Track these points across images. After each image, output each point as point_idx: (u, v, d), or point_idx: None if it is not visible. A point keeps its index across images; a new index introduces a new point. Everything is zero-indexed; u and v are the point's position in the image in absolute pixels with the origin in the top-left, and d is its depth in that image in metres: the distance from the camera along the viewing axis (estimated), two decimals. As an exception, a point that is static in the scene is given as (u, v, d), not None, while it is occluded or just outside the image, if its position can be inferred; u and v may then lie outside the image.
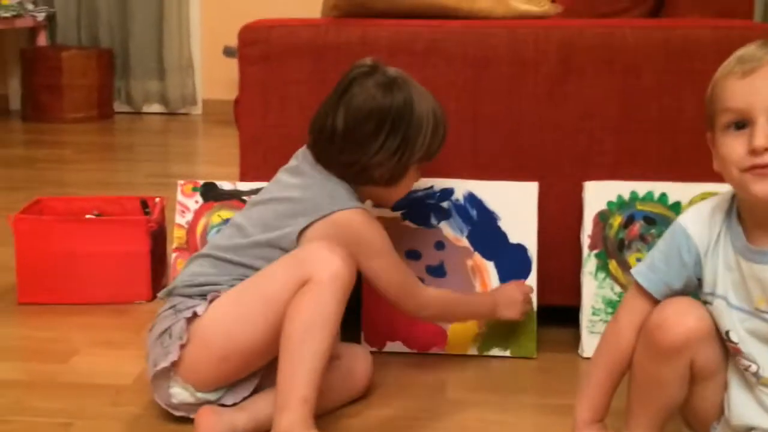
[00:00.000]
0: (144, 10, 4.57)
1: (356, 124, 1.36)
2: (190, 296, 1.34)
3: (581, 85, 1.63)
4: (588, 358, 1.61)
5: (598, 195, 1.63)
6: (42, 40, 4.52)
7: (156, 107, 4.70)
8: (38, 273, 1.84)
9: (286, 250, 1.34)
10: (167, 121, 4.54)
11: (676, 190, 1.62)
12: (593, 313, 1.63)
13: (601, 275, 1.63)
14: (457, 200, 1.66)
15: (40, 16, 4.40)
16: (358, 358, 1.46)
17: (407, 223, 1.66)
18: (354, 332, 1.64)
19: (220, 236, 1.43)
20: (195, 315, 1.30)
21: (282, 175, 1.45)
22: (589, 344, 1.62)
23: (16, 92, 4.62)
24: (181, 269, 1.43)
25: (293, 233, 1.35)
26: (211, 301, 1.31)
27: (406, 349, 1.64)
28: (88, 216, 1.99)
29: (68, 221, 1.88)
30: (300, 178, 1.41)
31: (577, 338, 1.65)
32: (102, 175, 3.25)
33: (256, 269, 1.33)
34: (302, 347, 1.23)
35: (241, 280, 1.33)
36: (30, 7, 4.35)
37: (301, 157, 1.45)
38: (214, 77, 4.64)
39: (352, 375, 1.44)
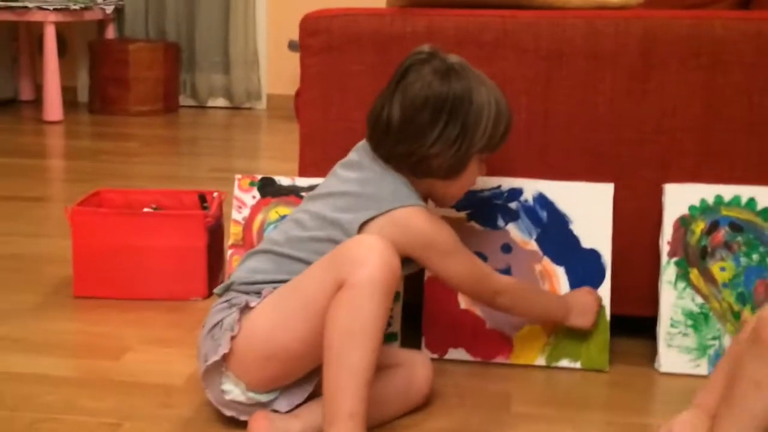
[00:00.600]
0: (210, 4, 4.57)
1: (413, 113, 1.29)
2: (246, 293, 1.29)
3: (663, 81, 1.52)
4: (666, 373, 1.51)
5: (680, 198, 1.52)
6: (110, 32, 4.56)
7: (220, 101, 4.70)
8: (94, 266, 1.81)
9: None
10: (231, 116, 4.53)
11: (766, 195, 1.50)
12: (672, 326, 1.52)
13: (681, 285, 1.52)
14: (526, 201, 1.57)
15: (109, 9, 4.43)
16: (418, 366, 1.38)
17: (473, 224, 1.58)
18: (415, 338, 1.56)
19: (278, 231, 1.36)
20: (248, 306, 1.25)
21: (339, 170, 1.38)
22: (666, 358, 1.51)
23: (84, 85, 4.67)
24: (238, 265, 1.37)
25: (353, 226, 1.28)
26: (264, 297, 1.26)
27: (469, 358, 1.56)
28: (145, 209, 1.95)
29: (124, 214, 1.84)
30: (359, 172, 1.34)
31: (653, 351, 1.55)
32: (165, 169, 3.24)
33: None
34: (343, 358, 1.16)
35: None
36: (99, -1, 4.38)
37: (361, 150, 1.37)
38: (279, 72, 4.61)
39: (412, 383, 1.36)
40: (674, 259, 1.52)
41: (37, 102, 4.42)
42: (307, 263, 1.27)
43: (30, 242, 2.22)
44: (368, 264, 1.18)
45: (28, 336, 1.63)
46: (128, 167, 3.24)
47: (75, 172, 3.17)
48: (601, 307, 1.51)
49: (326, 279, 1.20)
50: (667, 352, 1.52)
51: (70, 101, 4.61)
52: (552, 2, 1.58)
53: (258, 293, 1.28)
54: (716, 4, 1.58)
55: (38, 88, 4.41)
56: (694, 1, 1.60)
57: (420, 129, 1.29)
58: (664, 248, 1.53)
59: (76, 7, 4.09)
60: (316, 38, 1.60)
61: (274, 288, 1.27)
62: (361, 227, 1.28)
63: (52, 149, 3.68)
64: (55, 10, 3.97)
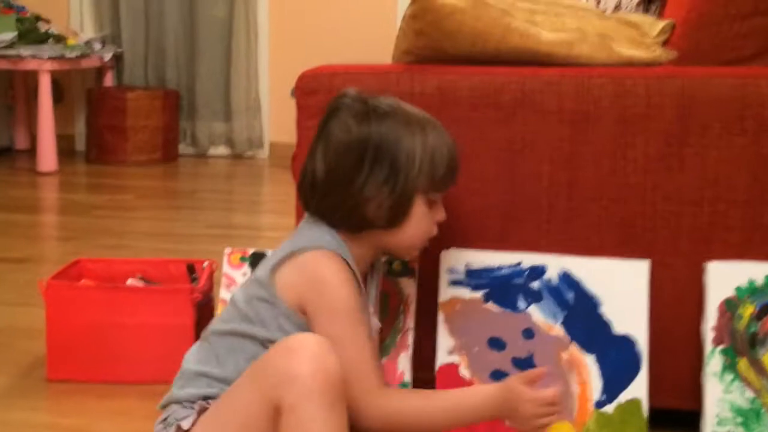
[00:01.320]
0: (212, 50, 4.45)
1: (336, 160, 1.18)
2: (182, 403, 1.16)
3: (703, 147, 1.36)
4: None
5: (724, 278, 1.35)
6: (109, 80, 4.43)
7: (222, 150, 4.56)
8: (70, 346, 1.64)
9: (268, 301, 1.16)
10: (233, 165, 4.39)
11: (822, 275, 1.33)
12: (718, 423, 1.34)
13: (729, 377, 1.34)
14: (550, 280, 1.40)
15: (107, 56, 4.30)
16: None
17: (490, 305, 1.40)
18: None
19: (223, 313, 1.25)
20: (179, 429, 1.12)
21: None
22: (712, 462, 1.33)
23: (81, 133, 4.54)
24: (185, 356, 1.23)
25: (265, 274, 1.17)
26: (200, 413, 1.12)
27: (486, 458, 1.38)
28: (130, 280, 1.78)
29: (104, 289, 1.68)
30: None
31: (696, 451, 1.37)
32: (161, 225, 3.08)
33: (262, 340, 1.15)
34: None
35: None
36: (97, 47, 4.26)
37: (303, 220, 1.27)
38: (281, 119, 4.47)
39: None
40: (720, 348, 1.35)
41: (33, 151, 4.27)
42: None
43: (6, 312, 2.05)
44: (298, 378, 1.02)
45: (-9, 430, 1.46)
46: (122, 223, 3.08)
47: (65, 229, 3.02)
48: (549, 412, 1.14)
49: (261, 400, 1.05)
50: (713, 454, 1.33)
51: (66, 150, 4.48)
52: (575, 59, 1.43)
53: (192, 405, 1.15)
54: (759, 59, 1.43)
55: (34, 137, 4.28)
56: (733, 56, 1.44)
57: (345, 175, 1.17)
58: (708, 335, 1.35)
59: (73, 55, 3.97)
60: (313, 98, 1.44)
61: (207, 403, 1.14)
62: (275, 273, 1.16)
63: (44, 203, 3.53)
64: (50, 58, 3.85)
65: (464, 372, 1.39)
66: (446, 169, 1.21)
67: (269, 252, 1.48)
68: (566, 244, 1.41)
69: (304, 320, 1.15)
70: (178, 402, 1.17)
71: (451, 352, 1.39)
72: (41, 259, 2.59)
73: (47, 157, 3.86)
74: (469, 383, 1.38)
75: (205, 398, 1.15)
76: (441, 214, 1.26)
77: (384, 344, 1.40)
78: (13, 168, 4.13)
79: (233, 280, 1.48)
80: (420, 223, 1.22)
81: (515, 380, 1.14)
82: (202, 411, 1.13)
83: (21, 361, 1.74)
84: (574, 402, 1.37)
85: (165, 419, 1.17)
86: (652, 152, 1.37)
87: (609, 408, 1.36)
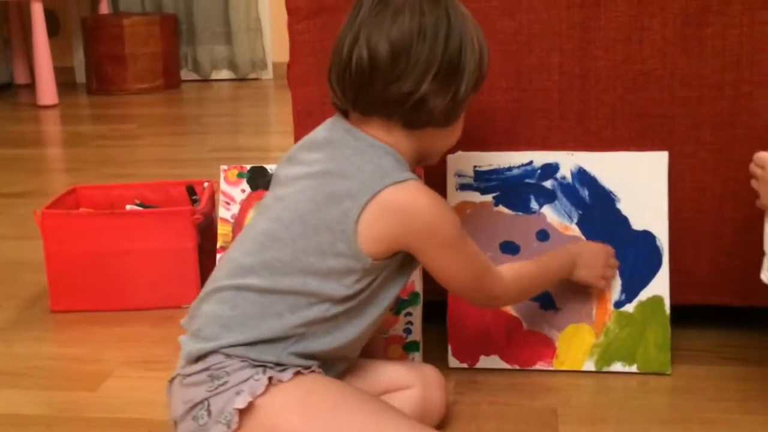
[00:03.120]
0: (208, -30, 4.32)
1: (406, 43, 1.02)
2: (229, 356, 1.00)
3: (725, 26, 1.26)
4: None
5: (749, 166, 1.27)
6: (104, 7, 4.32)
7: (225, 73, 4.46)
8: (71, 276, 1.59)
9: (345, 250, 1.01)
10: (237, 88, 4.29)
11: None
12: None
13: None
14: (564, 178, 1.32)
15: (101, -17, 4.18)
16: (432, 385, 1.14)
17: (501, 208, 1.33)
18: (440, 346, 1.34)
19: (243, 252, 1.06)
20: (252, 395, 0.97)
21: (301, 154, 1.10)
22: None
23: (80, 64, 4.44)
24: (199, 302, 1.06)
25: (348, 225, 1.00)
26: (271, 383, 0.98)
27: (504, 366, 1.32)
28: (129, 206, 1.73)
29: (101, 215, 1.61)
30: (329, 149, 1.07)
31: (721, 345, 1.31)
32: (166, 151, 3.02)
33: (311, 293, 1.02)
34: None
35: (296, 318, 1.01)
36: (89, -27, 4.13)
37: (330, 125, 1.11)
38: (284, 39, 4.30)
39: (426, 409, 1.13)
40: (745, 239, 1.27)
41: (33, 86, 4.19)
42: (302, 293, 1.01)
43: (8, 246, 2.01)
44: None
45: (-3, 363, 1.42)
46: (126, 152, 3.02)
47: (68, 161, 2.96)
48: (612, 265, 1.29)
49: None
50: None
51: (67, 82, 4.40)
52: (583, -62, 1.32)
53: (255, 364, 1.00)
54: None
55: (33, 72, 4.20)
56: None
57: (417, 61, 1.02)
58: (733, 227, 1.28)
59: (64, -18, 3.85)
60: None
61: (273, 361, 1.00)
62: (359, 218, 1.01)
63: (45, 136, 3.46)
64: (41, -14, 3.73)
65: (477, 279, 1.33)
66: (487, 66, 1.12)
67: (271, 168, 1.41)
68: (580, 139, 1.33)
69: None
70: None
71: (462, 259, 1.33)
72: (43, 192, 2.53)
73: (46, 90, 3.78)
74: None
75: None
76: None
77: (392, 255, 1.34)
78: (14, 103, 4.06)
79: (232, 198, 1.41)
80: (461, 123, 1.14)
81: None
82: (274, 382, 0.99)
83: (24, 294, 1.70)
84: (592, 303, 1.31)
85: (207, 369, 1.00)
86: (670, 35, 1.27)
87: (629, 307, 1.30)
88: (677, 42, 1.27)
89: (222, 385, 0.98)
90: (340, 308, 1.02)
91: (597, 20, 1.28)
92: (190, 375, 1.01)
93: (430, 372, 1.16)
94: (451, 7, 1.06)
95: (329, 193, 1.02)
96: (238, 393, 0.96)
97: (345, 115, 1.10)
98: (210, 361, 1.00)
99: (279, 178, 1.11)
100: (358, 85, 1.04)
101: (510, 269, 1.16)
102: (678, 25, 1.27)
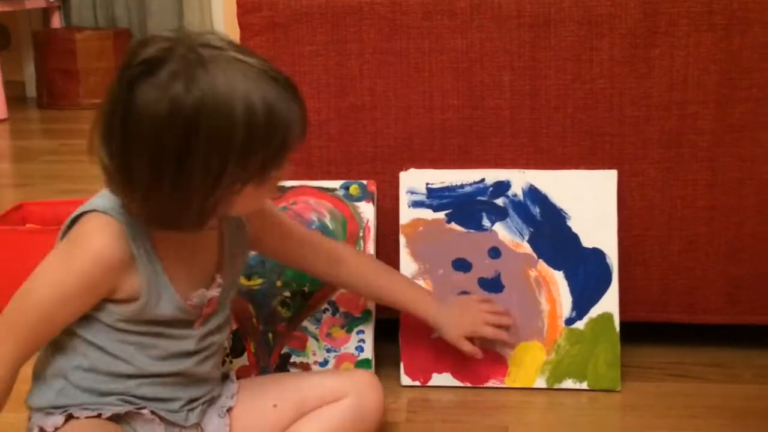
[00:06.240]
0: (162, -15, 4.29)
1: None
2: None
3: (671, 47, 1.28)
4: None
5: (696, 185, 1.29)
6: (56, 21, 4.25)
7: (179, 89, 4.42)
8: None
9: None
10: (191, 104, 4.25)
11: (797, 176, 1.28)
12: (692, 335, 1.29)
13: (702, 286, 1.29)
14: (515, 196, 1.33)
15: (52, -4, 4.13)
16: (365, 390, 1.11)
17: (453, 226, 1.34)
18: (392, 363, 1.33)
19: None
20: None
21: None
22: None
23: (31, 78, 4.36)
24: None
25: None
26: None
27: (457, 383, 1.32)
28: (77, 222, 1.69)
29: (49, 232, 1.58)
30: None
31: (669, 362, 1.33)
32: (117, 166, 2.97)
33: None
34: None
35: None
36: (41, -14, 4.07)
37: None
38: (239, 55, 4.33)
39: (361, 412, 1.10)
40: (692, 257, 1.29)
41: (-18, 100, 4.12)
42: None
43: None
44: None
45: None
46: (77, 167, 2.96)
47: (17, 177, 2.90)
48: (494, 310, 1.27)
49: None
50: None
51: (17, 96, 4.31)
52: (534, -41, 1.33)
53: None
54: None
55: (-18, 85, 4.12)
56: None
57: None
58: (680, 244, 1.30)
59: (15, -5, 3.79)
60: (256, 15, 1.34)
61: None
62: None
63: (-7, 151, 3.39)
64: (-10, -2, 3.67)
65: (429, 296, 1.33)
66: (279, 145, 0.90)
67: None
68: (531, 157, 1.34)
69: None
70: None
71: (414, 277, 1.33)
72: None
73: (-5, 103, 3.71)
74: (435, 307, 1.32)
75: None
76: (280, 178, 0.95)
77: (344, 272, 1.33)
78: (-38, 118, 3.97)
79: (182, 214, 1.39)
80: (249, 206, 0.97)
81: None
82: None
83: (-32, 312, 1.65)
84: (544, 320, 1.32)
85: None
86: (618, 56, 1.29)
87: (580, 324, 1.31)
88: (625, 62, 1.29)
89: None
90: None
91: (547, 39, 1.30)
92: None
93: (364, 377, 1.13)
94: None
95: None
96: None
97: None
98: None
99: None
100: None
101: None
102: (626, 45, 1.29)
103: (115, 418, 0.97)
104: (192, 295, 0.99)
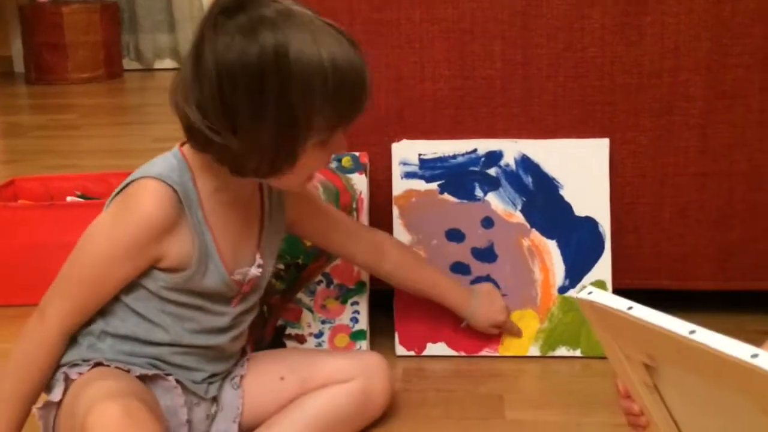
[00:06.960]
0: (148, -43, 4.25)
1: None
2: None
3: (662, 14, 1.28)
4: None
5: (687, 152, 1.29)
6: (42, -5, 4.21)
7: (168, 62, 4.39)
8: (10, 270, 1.55)
9: None
10: (180, 77, 4.23)
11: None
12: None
13: (694, 253, 1.30)
14: (507, 165, 1.33)
15: (38, -31, 4.08)
16: (374, 374, 1.12)
17: (446, 196, 1.34)
18: (387, 333, 1.34)
19: None
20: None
21: None
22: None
23: (19, 53, 4.33)
24: None
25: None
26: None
27: (451, 353, 1.33)
28: (69, 198, 1.69)
29: (42, 207, 1.58)
30: None
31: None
32: (108, 141, 2.96)
33: None
34: None
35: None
36: (26, -41, 4.03)
37: None
38: (228, 27, 4.29)
39: (369, 396, 1.11)
40: (684, 224, 1.30)
41: (-31, 75, 4.10)
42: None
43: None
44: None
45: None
46: (67, 142, 2.95)
47: (6, 153, 2.88)
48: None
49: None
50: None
51: (4, 72, 4.29)
52: (524, -74, 1.32)
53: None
54: None
55: (-32, 61, 4.09)
56: None
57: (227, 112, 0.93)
58: (672, 211, 1.30)
59: (0, -32, 3.75)
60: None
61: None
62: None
63: (-18, 127, 3.37)
64: (-25, -27, 3.63)
65: (423, 267, 1.33)
66: (353, 103, 0.94)
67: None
68: (523, 126, 1.34)
69: None
70: None
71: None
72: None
73: (-17, 80, 3.68)
74: (428, 278, 1.32)
75: None
76: (340, 145, 0.97)
77: (338, 244, 1.34)
78: (-51, 94, 3.95)
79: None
80: (307, 168, 0.98)
81: None
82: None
83: (-38, 289, 1.65)
84: (537, 289, 1.33)
85: None
86: (609, 23, 1.29)
87: (573, 292, 1.32)
88: (617, 30, 1.29)
89: None
90: None
91: (538, 8, 1.29)
92: None
93: (373, 360, 1.14)
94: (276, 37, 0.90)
95: None
96: None
97: None
98: None
99: None
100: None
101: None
102: (617, 13, 1.28)
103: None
104: (236, 271, 1.01)
